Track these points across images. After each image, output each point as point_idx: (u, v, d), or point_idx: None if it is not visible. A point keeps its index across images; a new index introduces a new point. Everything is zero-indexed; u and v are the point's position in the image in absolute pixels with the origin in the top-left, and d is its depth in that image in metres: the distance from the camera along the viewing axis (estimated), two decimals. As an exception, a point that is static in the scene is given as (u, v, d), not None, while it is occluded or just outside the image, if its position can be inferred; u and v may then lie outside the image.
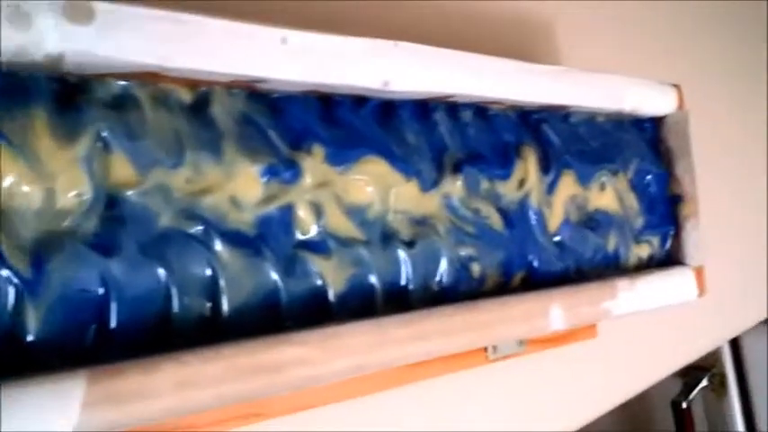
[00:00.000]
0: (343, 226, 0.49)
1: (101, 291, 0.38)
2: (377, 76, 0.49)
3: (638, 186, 0.72)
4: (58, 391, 0.33)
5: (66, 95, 0.39)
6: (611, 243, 0.68)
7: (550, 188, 0.63)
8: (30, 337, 0.36)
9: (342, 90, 0.49)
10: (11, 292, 0.35)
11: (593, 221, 0.67)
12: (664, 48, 1.06)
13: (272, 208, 0.45)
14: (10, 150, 0.35)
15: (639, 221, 0.72)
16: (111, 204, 0.39)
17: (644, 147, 0.74)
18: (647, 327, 0.93)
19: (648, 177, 0.73)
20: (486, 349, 0.71)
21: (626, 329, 0.89)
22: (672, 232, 0.75)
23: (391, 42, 0.49)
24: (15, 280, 0.35)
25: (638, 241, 0.71)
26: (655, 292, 0.67)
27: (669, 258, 0.75)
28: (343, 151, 0.49)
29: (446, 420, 0.69)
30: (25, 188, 0.36)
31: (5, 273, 0.35)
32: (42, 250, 0.36)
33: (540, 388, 0.79)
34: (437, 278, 0.54)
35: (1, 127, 0.35)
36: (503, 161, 0.59)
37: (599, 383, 0.87)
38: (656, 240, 0.74)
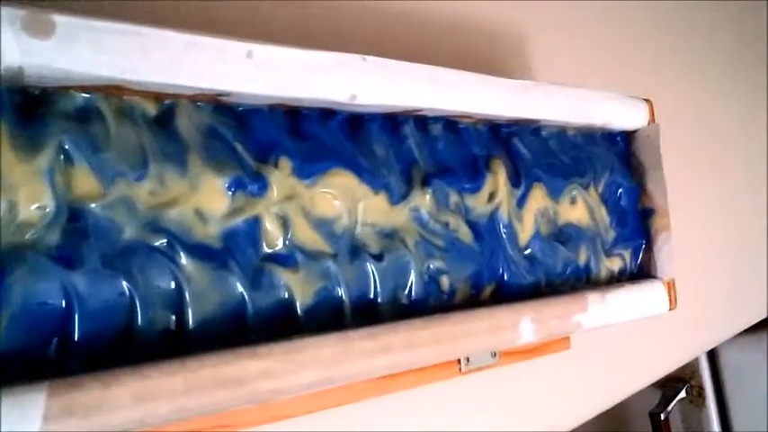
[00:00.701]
0: (311, 239, 0.49)
1: (63, 303, 0.38)
2: (344, 90, 0.49)
3: (609, 200, 0.73)
4: (19, 404, 0.33)
5: (28, 107, 0.39)
6: (582, 256, 0.69)
7: (521, 201, 0.63)
8: (-10, 350, 0.36)
9: (309, 103, 0.49)
10: (-29, 305, 0.35)
11: (563, 235, 0.67)
12: (636, 62, 1.07)
13: (238, 221, 0.45)
14: (-29, 163, 0.35)
15: (611, 235, 0.72)
16: (74, 217, 0.39)
17: (615, 160, 0.74)
18: (622, 338, 0.94)
19: (620, 191, 0.74)
20: (458, 361, 0.71)
21: (601, 341, 0.89)
22: (643, 246, 0.76)
23: (359, 56, 0.49)
24: (-25, 292, 0.35)
25: (609, 255, 0.72)
26: (625, 305, 0.68)
27: (641, 272, 0.76)
28: (311, 164, 0.49)
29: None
30: (-14, 200, 0.36)
31: (-33, 286, 0.35)
32: (4, 262, 0.36)
33: (515, 400, 0.79)
34: (406, 291, 0.54)
35: (-39, 139, 0.35)
36: (472, 174, 0.59)
37: (574, 395, 0.87)
38: (627, 254, 0.74)
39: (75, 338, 0.39)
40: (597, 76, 0.94)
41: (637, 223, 0.75)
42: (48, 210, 0.38)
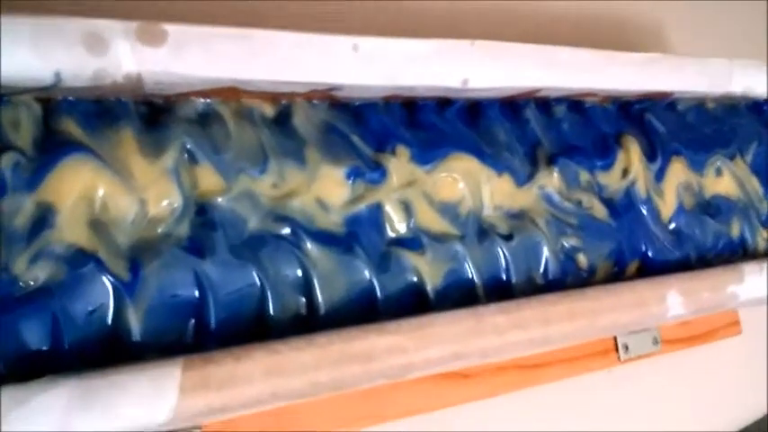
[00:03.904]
0: (436, 222, 0.50)
1: (197, 291, 0.41)
2: (455, 75, 0.50)
3: (760, 170, 0.70)
4: (156, 377, 0.36)
5: (153, 116, 0.42)
6: (735, 229, 0.66)
7: (659, 176, 0.62)
8: (132, 338, 0.39)
9: (422, 92, 0.50)
10: (112, 296, 0.39)
11: (712, 207, 0.65)
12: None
13: (360, 208, 0.47)
14: (102, 167, 0.39)
15: (765, 206, 0.69)
16: (201, 211, 0.42)
17: (764, 130, 0.71)
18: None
19: (772, 160, 0.71)
20: (616, 349, 0.70)
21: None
22: (805, 215, 0.72)
23: (467, 41, 0.50)
24: (116, 284, 0.38)
25: (766, 226, 0.69)
26: (789, 275, 0.64)
27: (806, 243, 0.72)
28: (429, 151, 0.50)
29: (575, 425, 0.68)
30: (119, 200, 0.39)
31: (106, 278, 0.38)
32: (139, 255, 0.40)
33: (680, 391, 0.76)
34: (541, 270, 0.54)
35: (94, 147, 0.39)
36: (602, 152, 0.59)
37: (747, 385, 0.83)
38: (787, 225, 0.70)
39: (212, 326, 0.41)
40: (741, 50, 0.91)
41: (795, 192, 0.71)
42: (176, 205, 0.41)
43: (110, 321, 0.38)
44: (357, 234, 0.47)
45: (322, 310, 0.45)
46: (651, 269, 0.60)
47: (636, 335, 0.71)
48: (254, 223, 0.44)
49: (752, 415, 0.82)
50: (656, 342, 0.72)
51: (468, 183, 0.51)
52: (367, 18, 0.61)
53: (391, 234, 0.48)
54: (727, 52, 0.83)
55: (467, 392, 0.60)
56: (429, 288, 0.49)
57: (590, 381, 0.68)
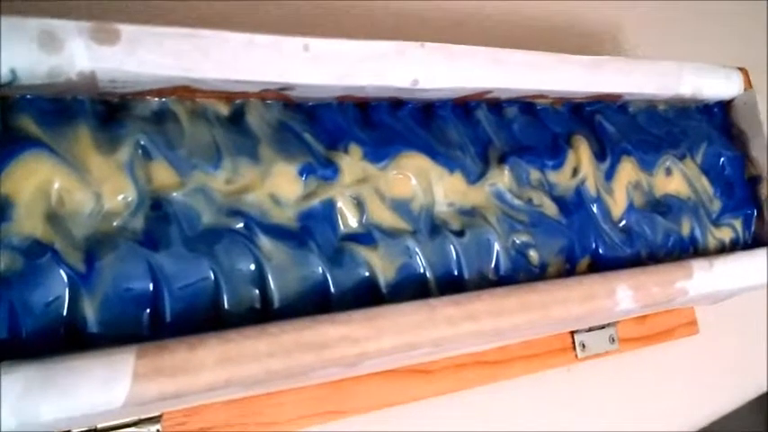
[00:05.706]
0: (388, 218, 0.51)
1: (152, 284, 0.42)
2: (405, 75, 0.51)
3: (710, 170, 0.72)
4: (110, 364, 0.37)
5: (109, 114, 0.44)
6: (686, 227, 0.68)
7: (609, 175, 0.63)
8: (88, 329, 0.40)
9: (372, 92, 0.52)
10: (68, 287, 0.40)
11: (662, 206, 0.67)
12: (732, 35, 1.04)
13: (313, 203, 0.48)
14: (58, 162, 0.40)
15: (716, 205, 0.71)
16: (156, 205, 0.43)
17: (713, 131, 0.73)
18: (758, 322, 0.90)
19: (722, 161, 0.73)
20: (573, 347, 0.71)
21: (734, 324, 0.86)
22: (755, 215, 0.74)
23: (417, 43, 0.52)
24: (72, 275, 0.40)
25: (717, 225, 0.70)
26: (737, 272, 0.66)
27: (757, 242, 0.74)
28: (381, 149, 0.52)
29: (532, 423, 0.69)
30: (75, 194, 0.40)
31: (62, 269, 0.39)
32: (95, 248, 0.41)
33: (638, 390, 0.78)
34: (492, 266, 0.55)
35: (50, 143, 0.40)
36: (552, 151, 0.60)
37: (704, 385, 0.84)
38: (737, 223, 0.72)
39: (167, 318, 0.42)
40: (698, 53, 0.93)
41: (745, 192, 0.74)
42: (130, 199, 0.42)
43: (66, 312, 0.39)
44: (310, 229, 0.48)
45: (276, 303, 0.46)
46: (602, 266, 0.61)
47: (593, 333, 0.73)
48: (208, 218, 0.45)
49: (708, 415, 0.84)
50: (612, 341, 0.74)
51: (420, 180, 0.53)
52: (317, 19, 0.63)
53: (344, 229, 0.50)
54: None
55: (428, 388, 0.61)
56: (382, 282, 0.50)
57: (550, 379, 0.70)
